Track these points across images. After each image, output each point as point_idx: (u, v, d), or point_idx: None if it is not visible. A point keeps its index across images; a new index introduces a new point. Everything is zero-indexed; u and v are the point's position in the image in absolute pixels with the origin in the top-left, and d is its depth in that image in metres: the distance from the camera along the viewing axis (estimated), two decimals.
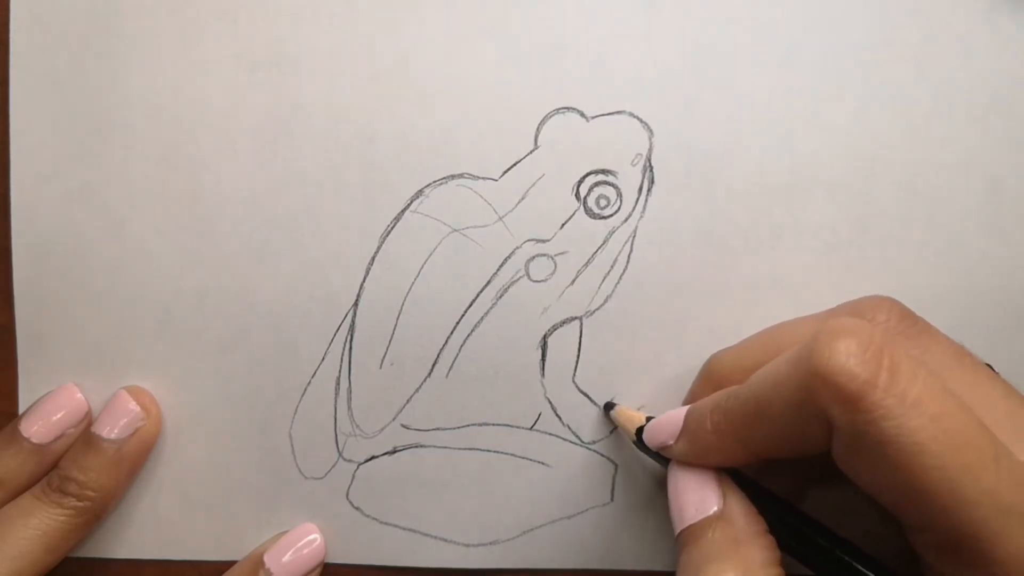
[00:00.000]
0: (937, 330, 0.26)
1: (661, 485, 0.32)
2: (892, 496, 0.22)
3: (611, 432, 0.32)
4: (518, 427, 0.32)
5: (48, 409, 0.31)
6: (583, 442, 0.32)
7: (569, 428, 0.32)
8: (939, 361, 0.25)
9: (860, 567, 0.24)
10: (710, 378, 0.30)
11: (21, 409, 0.32)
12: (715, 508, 0.25)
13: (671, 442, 0.27)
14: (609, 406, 0.32)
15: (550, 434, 0.32)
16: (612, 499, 0.32)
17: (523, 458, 0.32)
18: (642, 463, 0.32)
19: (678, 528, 0.26)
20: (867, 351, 0.22)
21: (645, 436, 0.28)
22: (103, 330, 0.32)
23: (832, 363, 0.21)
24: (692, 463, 0.27)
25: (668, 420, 0.27)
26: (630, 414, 0.30)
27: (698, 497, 0.26)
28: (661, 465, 0.28)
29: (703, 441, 0.26)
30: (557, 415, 0.32)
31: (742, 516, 0.25)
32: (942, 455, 0.21)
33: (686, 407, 0.27)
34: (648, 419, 0.29)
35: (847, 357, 0.21)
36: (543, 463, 0.32)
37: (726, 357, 0.30)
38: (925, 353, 0.25)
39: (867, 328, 0.22)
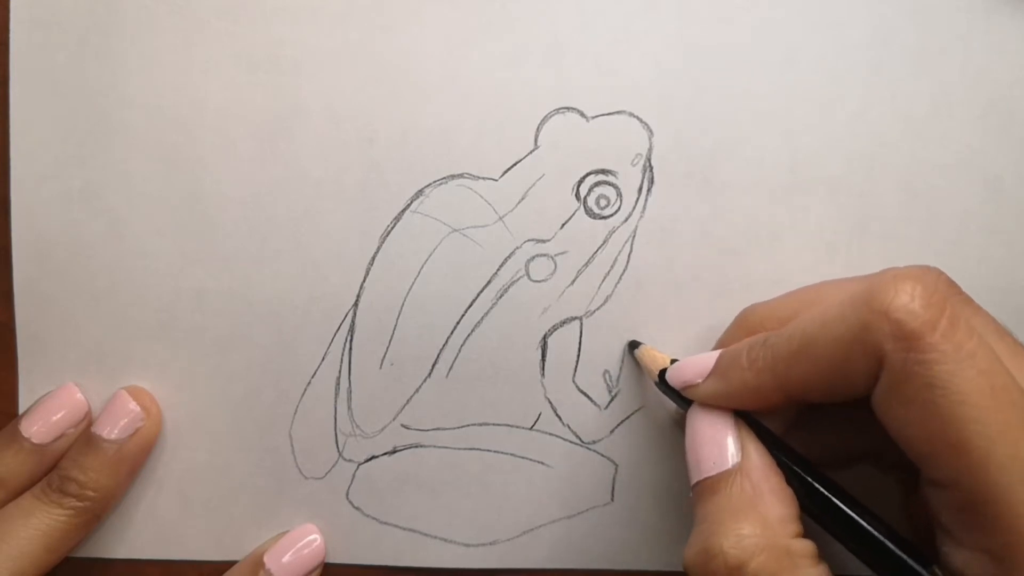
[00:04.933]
0: (979, 306, 0.26)
1: (661, 485, 0.32)
2: (925, 446, 0.22)
3: (611, 432, 0.32)
4: (518, 427, 0.32)
5: (48, 409, 0.31)
6: (583, 442, 0.32)
7: (569, 428, 0.32)
8: (982, 333, 0.25)
9: (873, 530, 0.24)
10: (743, 325, 0.29)
11: (21, 409, 0.32)
12: (733, 461, 0.25)
13: (699, 380, 0.26)
14: (634, 344, 0.31)
15: (550, 434, 0.32)
16: (612, 499, 0.32)
17: (523, 458, 0.32)
18: (642, 463, 0.32)
19: (695, 479, 0.25)
20: (932, 296, 0.22)
21: (670, 374, 0.28)
22: (103, 330, 0.32)
23: (897, 301, 0.22)
24: (719, 404, 0.26)
25: (698, 360, 0.27)
26: (654, 354, 0.30)
27: (716, 449, 0.25)
28: (681, 408, 0.28)
29: (736, 378, 0.26)
30: (557, 415, 0.32)
31: (760, 469, 0.25)
32: (986, 410, 0.21)
33: (717, 351, 0.27)
34: (673, 361, 0.28)
35: (911, 298, 0.22)
36: (543, 463, 0.32)
37: (762, 308, 0.29)
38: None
39: (933, 277, 0.23)
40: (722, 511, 0.24)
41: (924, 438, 0.22)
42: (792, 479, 0.25)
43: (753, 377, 0.25)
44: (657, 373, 0.29)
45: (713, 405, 0.26)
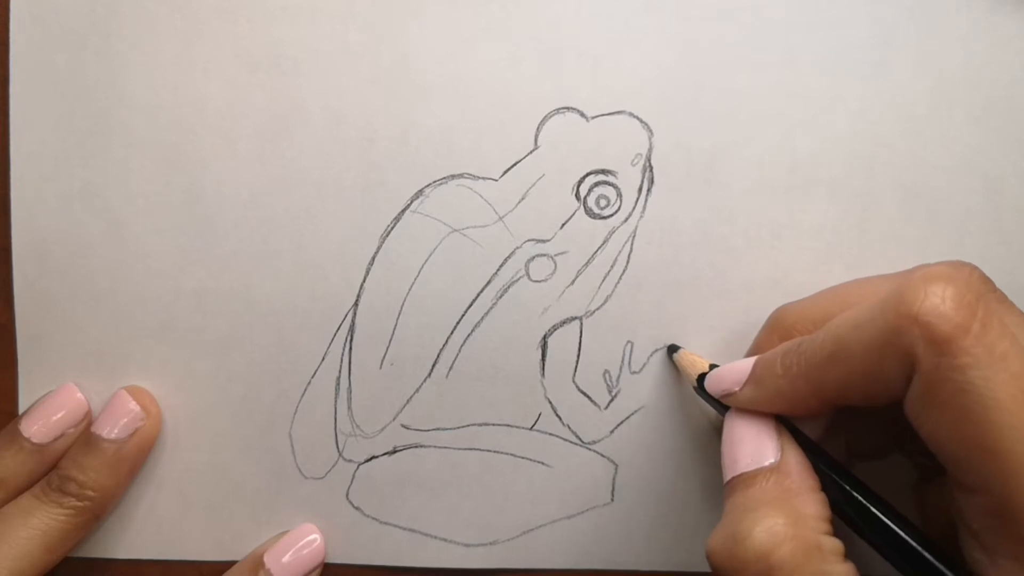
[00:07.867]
0: (1012, 303, 0.25)
1: (661, 485, 0.32)
2: (957, 450, 0.22)
3: (611, 432, 0.32)
4: (518, 427, 0.32)
5: (48, 409, 0.31)
6: (583, 442, 0.32)
7: (569, 428, 0.32)
8: (1016, 332, 0.25)
9: (908, 538, 0.24)
10: (776, 328, 0.29)
11: (21, 409, 0.32)
12: (771, 460, 0.25)
13: (736, 388, 0.27)
14: (673, 348, 0.31)
15: (550, 434, 0.32)
16: (612, 499, 0.32)
17: (523, 458, 0.32)
18: (642, 463, 0.32)
19: (729, 475, 0.25)
20: (964, 297, 0.21)
21: (708, 382, 0.28)
22: (103, 330, 0.32)
23: (927, 304, 0.21)
24: (756, 409, 0.26)
25: (734, 367, 0.27)
26: (693, 359, 0.30)
27: (754, 447, 0.25)
28: (719, 413, 0.28)
29: (771, 385, 0.26)
30: (557, 415, 0.32)
31: (797, 470, 0.25)
32: (1019, 415, 0.21)
33: (753, 357, 0.27)
34: (712, 366, 0.29)
35: (942, 300, 0.21)
36: (543, 463, 0.32)
37: (793, 309, 0.29)
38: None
39: (965, 276, 0.22)
40: (755, 501, 0.24)
41: (956, 442, 0.22)
42: (828, 485, 0.25)
43: (788, 384, 0.25)
44: (695, 378, 0.29)
45: (752, 410, 0.26)
